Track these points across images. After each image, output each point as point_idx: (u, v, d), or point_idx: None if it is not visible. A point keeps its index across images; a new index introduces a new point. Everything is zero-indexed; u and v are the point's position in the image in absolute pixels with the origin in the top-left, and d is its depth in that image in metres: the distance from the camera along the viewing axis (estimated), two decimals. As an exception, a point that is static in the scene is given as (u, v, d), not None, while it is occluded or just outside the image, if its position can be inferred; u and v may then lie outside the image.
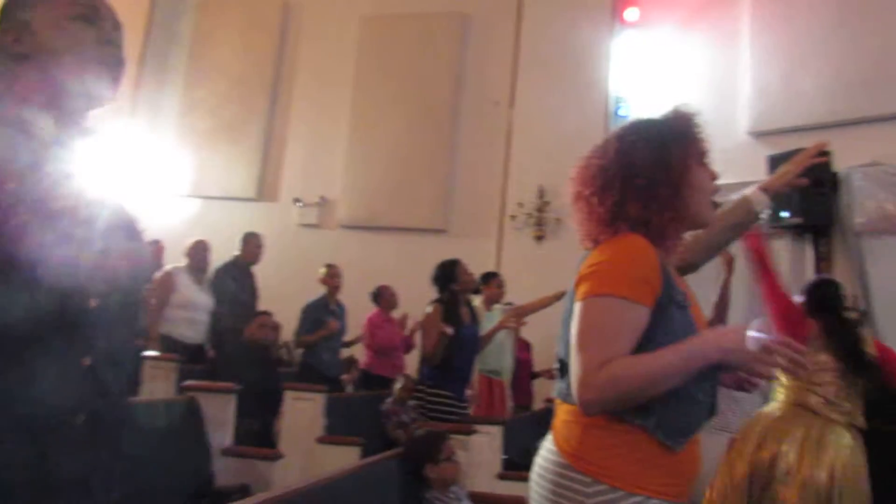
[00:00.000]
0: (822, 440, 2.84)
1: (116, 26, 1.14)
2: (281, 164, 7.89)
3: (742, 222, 1.83)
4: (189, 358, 4.69)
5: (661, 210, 1.33)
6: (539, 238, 6.88)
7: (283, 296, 5.91)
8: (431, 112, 7.40)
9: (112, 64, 1.12)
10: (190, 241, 5.26)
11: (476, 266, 4.67)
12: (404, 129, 7.40)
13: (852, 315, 3.25)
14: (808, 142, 1.89)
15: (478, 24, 7.54)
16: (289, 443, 3.88)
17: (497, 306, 5.08)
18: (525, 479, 1.46)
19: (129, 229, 1.13)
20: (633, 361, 1.22)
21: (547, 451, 1.35)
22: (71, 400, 1.00)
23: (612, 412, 1.25)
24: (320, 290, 5.41)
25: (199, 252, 5.17)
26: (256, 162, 7.87)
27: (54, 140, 1.03)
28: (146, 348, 4.69)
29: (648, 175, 1.34)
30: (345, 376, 5.73)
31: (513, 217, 6.95)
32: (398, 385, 4.57)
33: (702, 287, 2.08)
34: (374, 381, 5.33)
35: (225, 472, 3.27)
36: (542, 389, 6.10)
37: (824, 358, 2.99)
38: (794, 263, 5.70)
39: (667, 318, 1.28)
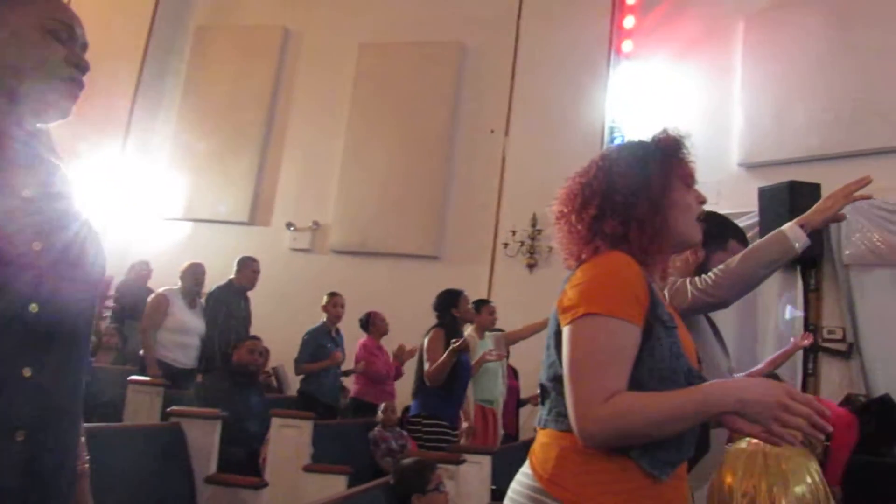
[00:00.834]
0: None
1: (84, 48, 1.13)
2: (274, 189, 7.87)
3: (778, 259, 1.77)
4: (179, 383, 4.62)
5: (640, 227, 1.30)
6: (531, 266, 6.89)
7: (273, 320, 5.87)
8: (426, 139, 7.43)
9: (73, 83, 1.09)
10: (184, 263, 5.20)
11: (468, 293, 4.66)
12: (399, 155, 7.42)
13: None
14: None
15: (474, 54, 7.62)
16: (275, 471, 3.80)
17: (487, 333, 5.05)
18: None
19: (93, 243, 1.09)
20: (643, 402, 1.15)
21: (522, 475, 1.29)
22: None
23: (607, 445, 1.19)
24: (311, 315, 5.37)
25: (193, 275, 5.11)
26: (249, 186, 7.84)
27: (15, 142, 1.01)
28: (136, 372, 4.64)
29: (627, 191, 1.32)
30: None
31: (505, 245, 6.96)
32: (380, 410, 4.62)
33: (720, 314, 2.05)
34: (366, 409, 5.26)
35: (209, 500, 3.20)
36: (531, 417, 6.05)
37: None
38: (783, 295, 5.74)
39: (653, 339, 1.22)
